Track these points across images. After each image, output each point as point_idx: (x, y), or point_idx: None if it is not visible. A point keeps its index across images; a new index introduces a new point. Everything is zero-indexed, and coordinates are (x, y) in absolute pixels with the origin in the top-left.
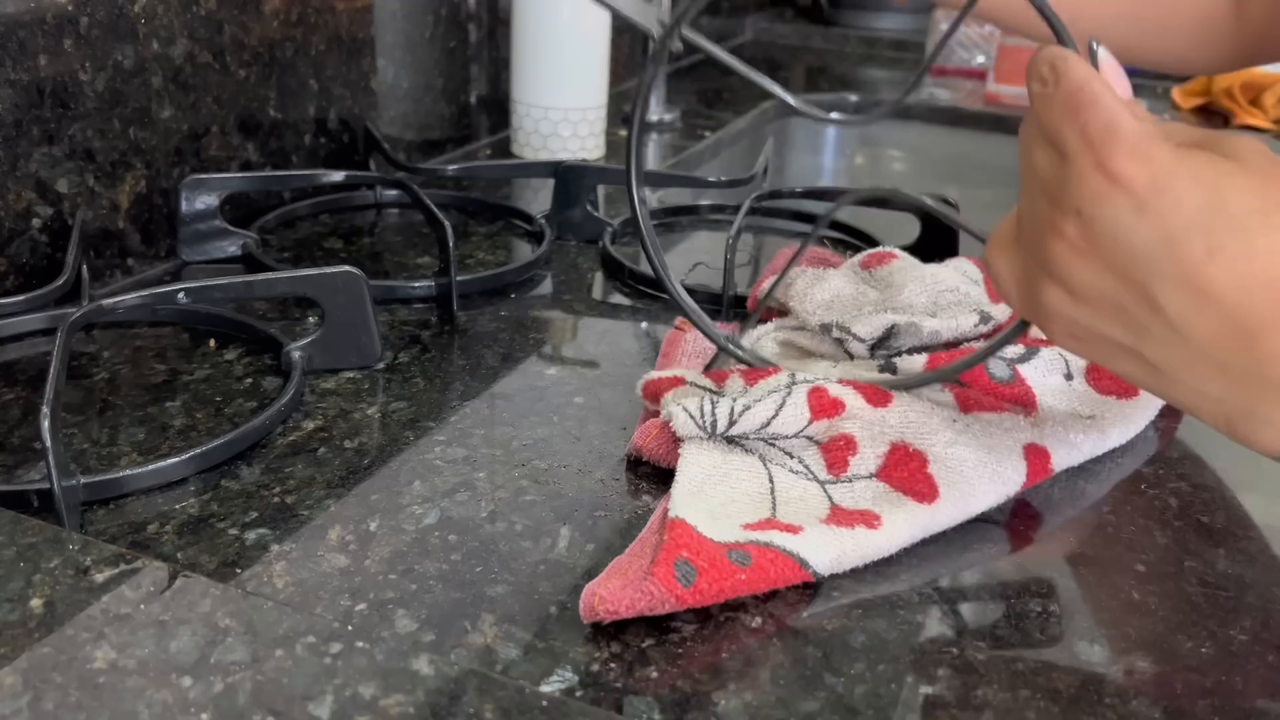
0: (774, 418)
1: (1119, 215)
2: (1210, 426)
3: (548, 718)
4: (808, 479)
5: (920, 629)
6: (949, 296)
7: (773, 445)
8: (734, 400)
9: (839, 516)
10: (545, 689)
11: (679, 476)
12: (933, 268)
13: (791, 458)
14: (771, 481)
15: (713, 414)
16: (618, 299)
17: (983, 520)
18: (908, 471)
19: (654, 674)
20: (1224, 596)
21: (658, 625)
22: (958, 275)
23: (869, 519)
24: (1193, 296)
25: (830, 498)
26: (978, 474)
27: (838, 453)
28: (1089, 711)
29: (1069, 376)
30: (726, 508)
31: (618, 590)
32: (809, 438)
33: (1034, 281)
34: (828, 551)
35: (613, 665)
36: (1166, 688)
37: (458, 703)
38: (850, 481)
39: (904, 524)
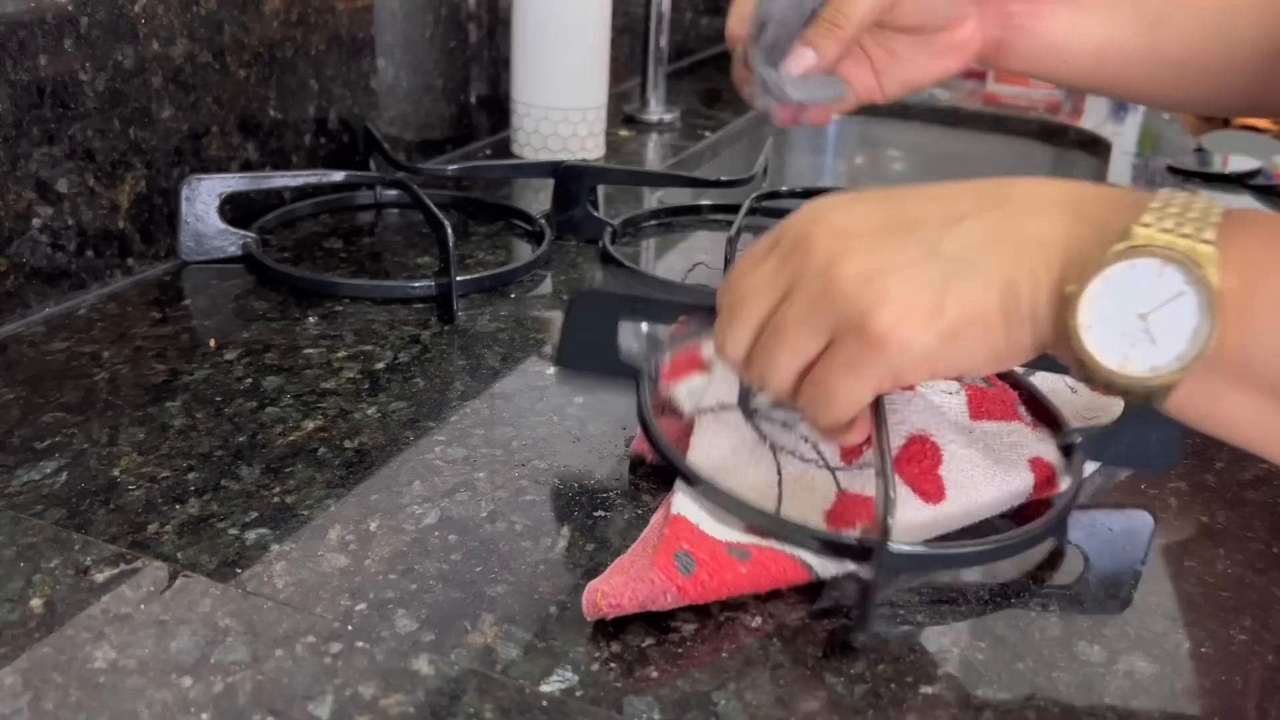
0: None
1: (848, 205)
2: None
3: (548, 718)
4: (819, 466)
5: (920, 629)
6: None
7: (790, 430)
8: None
9: (843, 508)
10: (545, 689)
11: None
12: None
13: (806, 443)
14: (780, 474)
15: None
16: None
17: (984, 521)
18: (920, 469)
19: (654, 674)
20: (1224, 596)
21: (658, 625)
22: None
23: (871, 514)
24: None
25: (838, 483)
26: (987, 480)
27: (854, 449)
28: (1089, 711)
29: (1074, 390)
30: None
31: (620, 585)
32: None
33: (833, 302)
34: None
35: (613, 665)
36: (1166, 688)
37: (458, 703)
38: (862, 469)
39: (908, 519)
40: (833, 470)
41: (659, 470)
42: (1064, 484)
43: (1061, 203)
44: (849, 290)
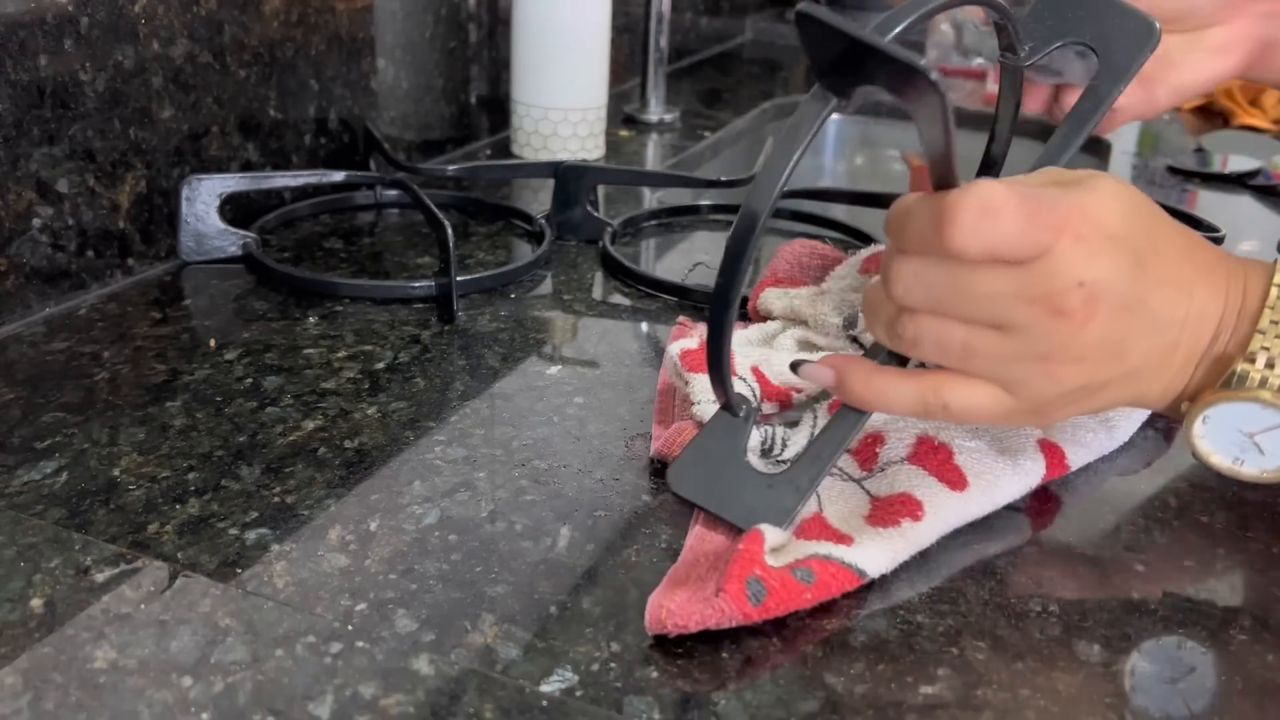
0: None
1: (1114, 263)
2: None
3: (548, 718)
4: (843, 479)
5: (920, 629)
6: None
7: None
8: (775, 429)
9: (880, 510)
10: (545, 689)
11: None
12: None
13: None
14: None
15: (771, 439)
16: (618, 299)
17: (983, 521)
18: (937, 461)
19: (654, 674)
20: (1224, 596)
21: None
22: None
23: (912, 508)
24: (1172, 291)
25: (868, 492)
26: (1000, 465)
27: (866, 449)
28: (1089, 711)
29: None
30: None
31: (685, 604)
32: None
33: (1035, 385)
34: (882, 557)
35: (613, 665)
36: (1166, 688)
37: (458, 703)
38: (883, 470)
39: (943, 511)
40: (858, 481)
41: (659, 469)
42: (1075, 463)
43: (1210, 322)
44: (1061, 381)
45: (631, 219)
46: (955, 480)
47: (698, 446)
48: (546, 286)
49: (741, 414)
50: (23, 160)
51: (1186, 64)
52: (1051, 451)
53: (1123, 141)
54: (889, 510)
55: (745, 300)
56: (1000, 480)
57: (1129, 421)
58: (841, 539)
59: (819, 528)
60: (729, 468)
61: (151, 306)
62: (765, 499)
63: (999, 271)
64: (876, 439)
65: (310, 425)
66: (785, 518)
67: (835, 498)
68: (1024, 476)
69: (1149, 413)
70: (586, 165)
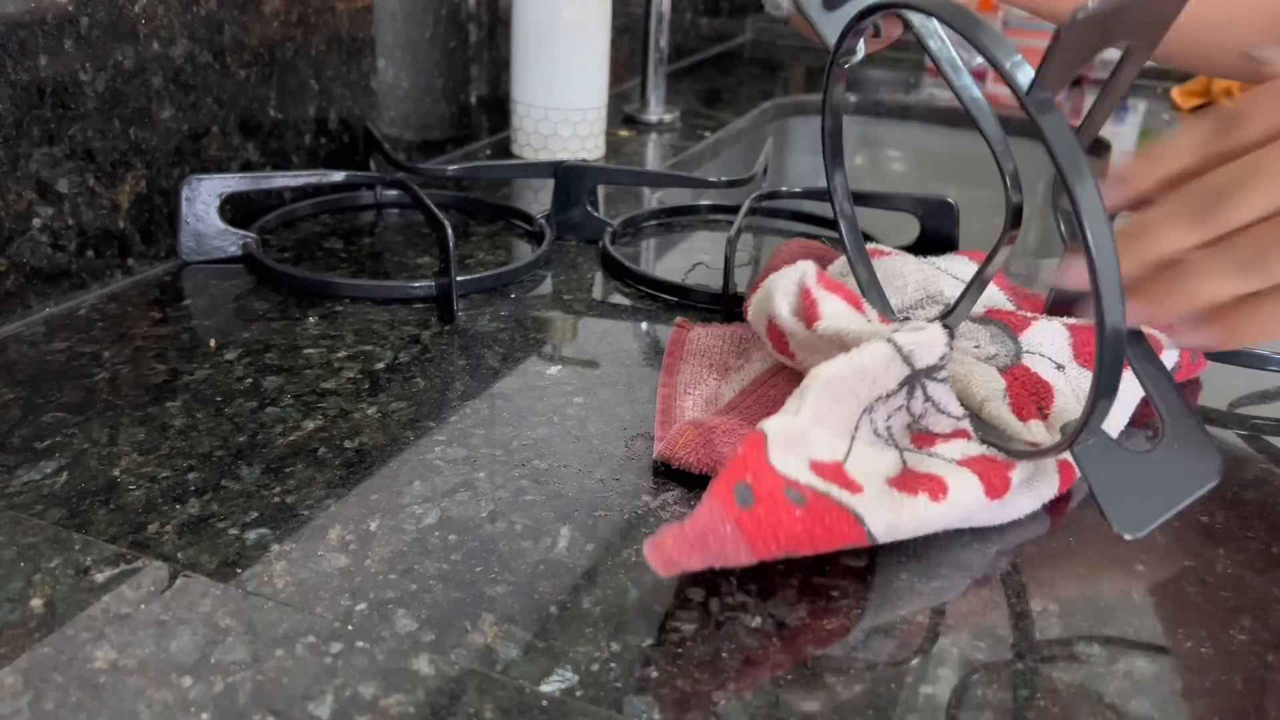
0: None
1: None
2: None
3: (548, 718)
4: (886, 443)
5: (920, 629)
6: (926, 291)
7: (870, 413)
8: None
9: (906, 478)
10: (545, 689)
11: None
12: (917, 270)
13: (883, 422)
14: (855, 431)
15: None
16: (618, 299)
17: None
18: (987, 465)
19: (654, 674)
20: (1224, 596)
21: (658, 625)
22: (945, 276)
23: (935, 488)
24: None
25: (905, 462)
26: (1025, 481)
27: (927, 437)
28: (1089, 711)
29: (1060, 366)
30: (807, 434)
31: (678, 531)
32: (910, 411)
33: None
34: (884, 515)
35: (613, 665)
36: (1166, 688)
37: (458, 703)
38: (930, 455)
39: (964, 504)
40: (900, 449)
41: (659, 470)
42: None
43: None
44: None
45: (631, 219)
46: (997, 486)
47: (1110, 480)
48: (546, 286)
49: (1102, 426)
50: (23, 160)
51: None
52: (1064, 468)
53: (1122, 141)
54: (914, 480)
55: (740, 300)
56: (1016, 497)
57: (1122, 410)
58: (849, 485)
59: (833, 472)
60: (1145, 470)
61: (151, 306)
62: (1189, 464)
63: None
64: (944, 437)
65: (310, 425)
66: (1220, 461)
67: (867, 457)
68: (1037, 499)
69: (1135, 405)
70: (586, 165)
